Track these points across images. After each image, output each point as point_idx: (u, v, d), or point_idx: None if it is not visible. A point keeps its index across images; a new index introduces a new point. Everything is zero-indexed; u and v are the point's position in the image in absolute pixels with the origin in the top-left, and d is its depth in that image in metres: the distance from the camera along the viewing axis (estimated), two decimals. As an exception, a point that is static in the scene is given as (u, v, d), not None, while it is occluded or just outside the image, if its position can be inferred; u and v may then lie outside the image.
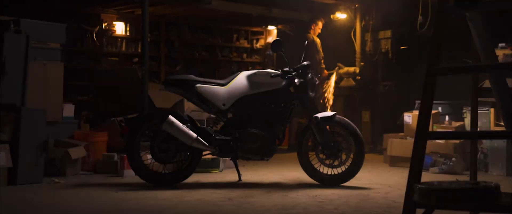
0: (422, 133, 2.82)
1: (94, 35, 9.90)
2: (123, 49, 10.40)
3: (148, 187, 5.36)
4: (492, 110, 6.59)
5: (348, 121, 5.53)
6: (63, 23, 6.89)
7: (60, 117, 6.39)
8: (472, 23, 3.42)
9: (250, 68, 10.90)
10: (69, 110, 6.52)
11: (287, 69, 5.56)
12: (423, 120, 2.88)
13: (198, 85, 5.53)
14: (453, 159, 6.45)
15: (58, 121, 6.35)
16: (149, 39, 10.08)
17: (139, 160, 5.47)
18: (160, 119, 5.41)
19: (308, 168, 5.59)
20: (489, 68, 3.30)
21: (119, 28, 10.33)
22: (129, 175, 5.88)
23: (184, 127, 5.34)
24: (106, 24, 10.09)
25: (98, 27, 9.94)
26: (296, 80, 5.52)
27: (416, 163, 2.82)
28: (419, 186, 2.62)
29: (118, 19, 10.29)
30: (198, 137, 5.35)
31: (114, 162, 6.22)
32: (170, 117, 5.35)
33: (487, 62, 3.29)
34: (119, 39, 10.35)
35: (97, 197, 4.83)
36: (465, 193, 2.53)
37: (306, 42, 6.03)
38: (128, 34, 10.44)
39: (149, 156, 5.51)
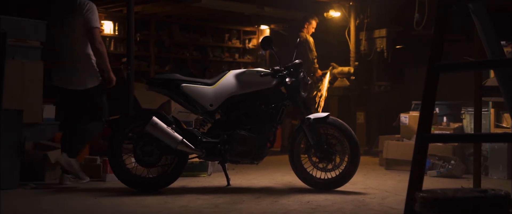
0: (423, 136, 2.57)
1: (81, 34, 9.60)
2: (112, 48, 10.11)
3: (130, 192, 5.08)
4: (492, 110, 6.31)
5: (342, 122, 5.26)
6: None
7: (40, 118, 6.10)
8: (476, 15, 3.17)
9: (242, 67, 10.63)
10: (49, 111, 6.23)
11: (278, 67, 5.30)
12: (424, 121, 2.64)
13: (183, 84, 5.26)
14: (452, 162, 6.18)
15: (38, 122, 6.06)
16: (138, 39, 9.89)
17: (121, 164, 5.18)
18: (144, 120, 5.14)
19: (301, 172, 5.32)
20: (495, 64, 3.05)
21: (107, 27, 10.04)
22: (112, 179, 5.58)
23: (168, 129, 5.06)
24: (94, 23, 9.80)
25: (85, 26, 9.65)
26: (287, 79, 5.24)
27: (416, 169, 2.57)
28: (421, 194, 2.37)
29: (106, 18, 10.00)
30: (184, 139, 5.07)
31: (96, 166, 5.93)
32: (154, 118, 5.07)
33: (493, 57, 3.04)
34: (107, 39, 10.07)
35: (74, 204, 4.54)
36: (472, 203, 2.28)
37: (298, 40, 5.75)
38: (116, 33, 10.16)
39: (133, 160, 5.22)
